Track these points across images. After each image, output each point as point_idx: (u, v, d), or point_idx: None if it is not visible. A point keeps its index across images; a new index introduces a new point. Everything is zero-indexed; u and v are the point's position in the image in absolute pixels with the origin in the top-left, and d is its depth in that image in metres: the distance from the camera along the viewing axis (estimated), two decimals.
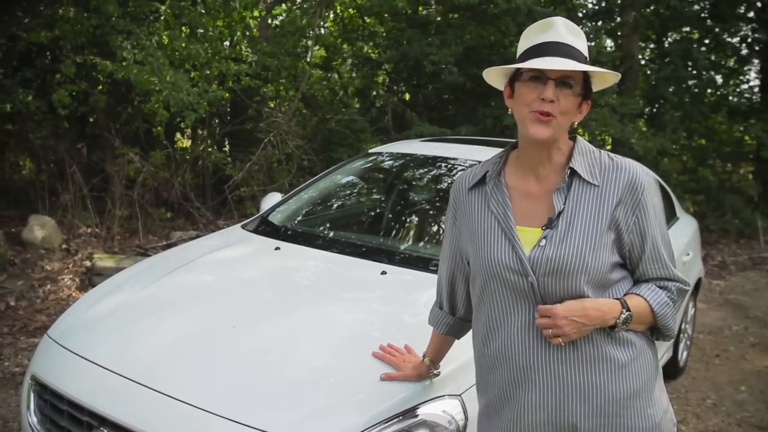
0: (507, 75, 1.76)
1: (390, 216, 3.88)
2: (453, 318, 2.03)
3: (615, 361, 1.67)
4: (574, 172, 1.70)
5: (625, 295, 1.70)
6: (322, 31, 10.30)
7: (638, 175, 1.69)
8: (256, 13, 8.97)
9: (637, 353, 1.71)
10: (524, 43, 1.71)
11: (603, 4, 11.47)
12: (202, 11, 8.13)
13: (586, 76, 1.69)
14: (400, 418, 2.07)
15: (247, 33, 9.46)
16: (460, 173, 1.93)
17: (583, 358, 1.66)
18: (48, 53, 8.48)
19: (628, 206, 1.67)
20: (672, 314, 1.75)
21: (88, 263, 6.45)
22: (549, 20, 1.69)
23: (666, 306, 1.72)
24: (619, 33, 10.59)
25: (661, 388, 1.80)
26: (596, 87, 1.75)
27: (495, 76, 1.79)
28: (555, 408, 1.67)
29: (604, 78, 1.73)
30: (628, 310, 1.65)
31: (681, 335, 4.77)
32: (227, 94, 7.77)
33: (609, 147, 10.04)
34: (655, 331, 1.77)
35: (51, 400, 2.45)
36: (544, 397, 1.67)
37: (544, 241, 1.66)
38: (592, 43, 9.20)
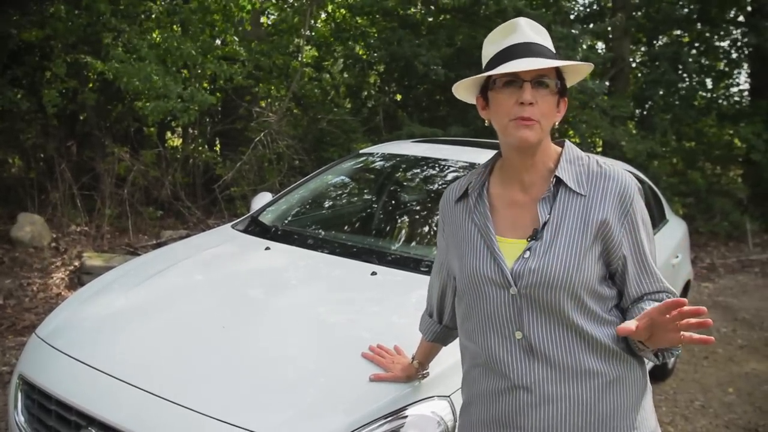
0: (478, 86, 1.71)
1: (380, 216, 3.88)
2: (440, 326, 2.02)
3: (602, 376, 1.62)
4: (560, 181, 1.65)
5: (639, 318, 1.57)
6: (313, 33, 10.29)
7: (628, 186, 1.64)
8: (249, 6, 8.93)
9: (626, 370, 1.66)
10: (490, 50, 1.66)
11: (594, 7, 11.52)
12: (193, 8, 8.11)
13: (559, 72, 1.64)
14: (389, 418, 2.07)
15: (240, 28, 9.44)
16: (448, 186, 1.90)
17: (570, 374, 1.62)
18: (38, 51, 8.45)
19: (616, 219, 1.62)
20: None
21: (77, 262, 6.43)
22: (512, 22, 1.65)
23: None
24: (609, 36, 10.63)
25: (651, 408, 1.75)
26: (569, 81, 1.70)
27: (465, 90, 1.73)
28: (542, 423, 1.63)
29: (578, 71, 1.69)
30: None
31: None
32: (215, 100, 7.74)
33: (599, 149, 10.09)
34: (664, 351, 1.62)
35: (39, 400, 2.44)
36: (529, 413, 1.63)
37: (528, 252, 1.62)
38: (583, 45, 9.22)
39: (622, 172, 1.68)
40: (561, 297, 1.59)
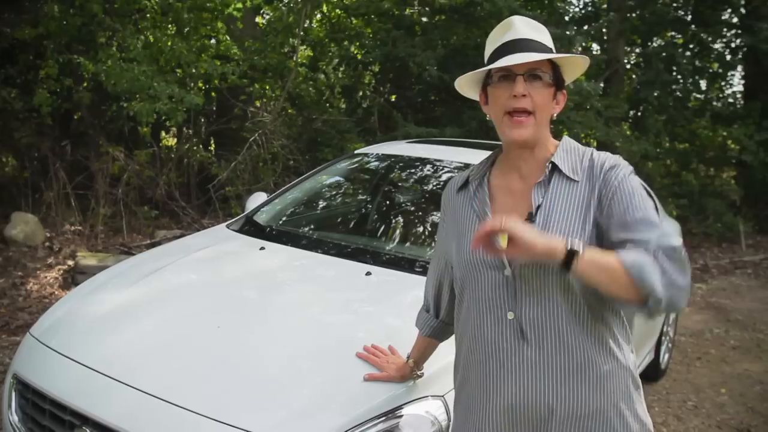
0: (479, 83, 1.77)
1: (375, 217, 3.89)
2: (437, 321, 2.03)
3: (593, 369, 1.64)
4: (555, 167, 1.69)
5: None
6: (309, 33, 10.29)
7: (617, 163, 1.65)
8: (239, 5, 8.90)
9: (617, 363, 1.67)
10: (489, 48, 1.73)
11: (589, 8, 11.54)
12: (186, 5, 8.10)
13: (555, 67, 1.69)
14: (384, 418, 2.07)
15: (232, 27, 9.42)
16: (452, 178, 1.94)
17: (559, 358, 1.63)
18: (32, 49, 8.42)
19: (603, 188, 1.62)
20: (648, 266, 1.48)
21: (71, 261, 6.41)
22: (507, 21, 1.71)
23: (640, 260, 1.48)
24: (604, 37, 10.66)
25: (640, 400, 1.75)
26: (568, 76, 1.75)
27: (467, 86, 1.80)
28: (528, 409, 1.65)
29: (575, 65, 1.74)
30: (576, 247, 1.48)
31: (663, 338, 4.81)
32: (201, 100, 7.71)
33: None
34: (648, 298, 1.49)
35: (33, 399, 2.44)
36: (517, 398, 1.66)
37: None
38: (578, 47, 9.24)
39: (609, 154, 1.70)
40: (553, 278, 1.62)
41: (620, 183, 1.62)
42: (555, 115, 1.73)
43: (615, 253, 1.52)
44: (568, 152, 1.72)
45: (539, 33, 1.70)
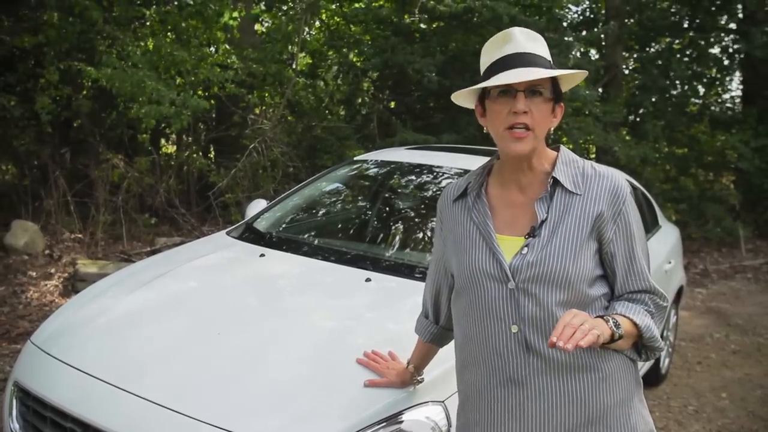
0: (476, 93, 1.76)
1: (375, 223, 3.89)
2: (437, 327, 2.04)
3: (598, 371, 1.66)
4: (556, 182, 1.70)
5: (600, 317, 1.62)
6: (308, 38, 10.30)
7: (620, 186, 1.69)
8: (235, 14, 8.92)
9: (618, 365, 1.70)
10: (486, 59, 1.70)
11: (587, 14, 11.57)
12: (183, 14, 8.12)
13: (553, 79, 1.68)
14: (384, 424, 2.08)
15: (229, 36, 9.44)
16: (447, 185, 1.94)
17: (564, 368, 1.65)
18: (32, 58, 8.44)
19: (609, 216, 1.67)
20: (654, 326, 1.69)
21: (71, 269, 6.41)
22: (507, 32, 1.69)
23: (646, 317, 1.68)
24: (603, 43, 10.68)
25: (641, 398, 1.79)
26: (565, 87, 1.75)
27: (464, 97, 1.78)
28: (536, 418, 1.66)
29: (572, 77, 1.74)
30: (617, 324, 1.59)
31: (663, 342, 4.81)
32: (207, 105, 7.71)
33: (593, 156, 10.12)
34: (643, 349, 1.73)
35: (34, 407, 2.44)
36: (524, 408, 1.67)
37: (525, 249, 1.66)
38: (576, 52, 9.26)
39: (615, 172, 1.73)
40: (557, 291, 1.64)
41: (627, 214, 1.70)
42: (553, 128, 1.73)
43: (619, 310, 1.66)
44: (568, 165, 1.73)
45: (537, 44, 1.69)
